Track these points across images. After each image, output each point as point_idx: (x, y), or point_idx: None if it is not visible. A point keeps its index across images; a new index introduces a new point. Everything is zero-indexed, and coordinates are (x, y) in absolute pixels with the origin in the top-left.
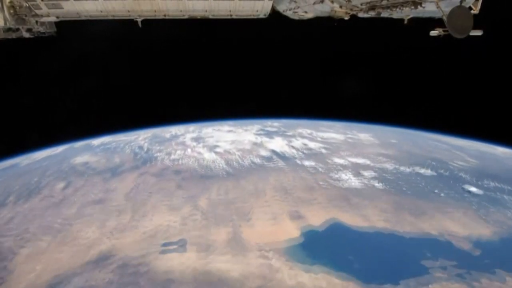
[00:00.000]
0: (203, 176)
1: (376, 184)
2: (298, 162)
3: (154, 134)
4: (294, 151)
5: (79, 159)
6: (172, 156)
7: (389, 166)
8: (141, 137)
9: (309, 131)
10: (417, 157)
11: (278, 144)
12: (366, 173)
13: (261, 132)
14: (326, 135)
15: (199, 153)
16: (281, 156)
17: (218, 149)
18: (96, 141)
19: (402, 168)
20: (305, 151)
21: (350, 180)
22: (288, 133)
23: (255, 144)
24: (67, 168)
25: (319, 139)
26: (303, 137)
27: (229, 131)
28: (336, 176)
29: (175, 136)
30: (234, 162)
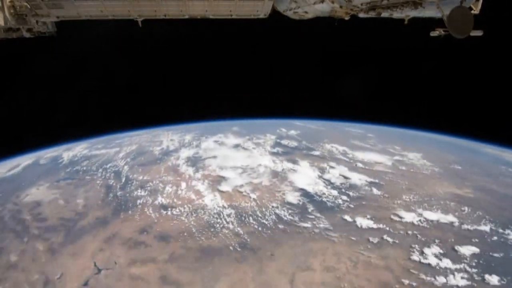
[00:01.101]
0: (204, 252)
1: (489, 278)
2: (348, 218)
3: (140, 147)
4: (333, 191)
5: (30, 196)
6: (159, 199)
7: (486, 228)
8: (124, 152)
9: (340, 148)
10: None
11: (307, 176)
12: (463, 250)
13: (279, 149)
14: (365, 156)
15: (198, 192)
16: (318, 203)
17: (224, 186)
18: (70, 154)
19: (506, 232)
20: (349, 192)
21: (447, 270)
22: (315, 152)
23: (275, 175)
24: (7, 215)
25: (359, 165)
26: (337, 160)
27: (236, 145)
28: (418, 258)
29: (166, 153)
30: (250, 218)
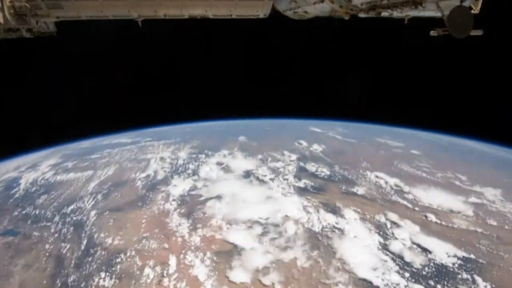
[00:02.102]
0: None
1: None
2: None
3: (120, 170)
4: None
5: None
6: None
7: None
8: (96, 181)
9: (390, 180)
10: None
11: (363, 246)
12: None
13: (307, 182)
14: (431, 197)
15: (195, 283)
16: None
17: (237, 270)
18: (31, 177)
19: None
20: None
21: None
22: (358, 189)
23: (313, 242)
24: None
25: (431, 218)
26: (395, 206)
27: (247, 173)
28: None
29: (152, 186)
30: None
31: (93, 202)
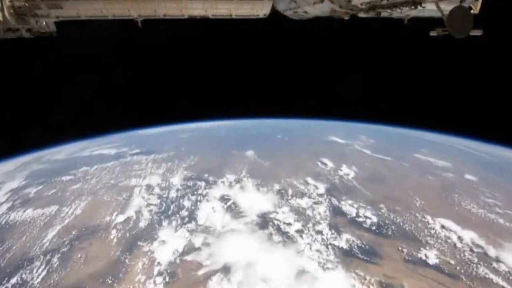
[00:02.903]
0: None
1: None
2: None
3: (94, 205)
4: None
5: None
6: None
7: None
8: (58, 226)
9: (465, 234)
10: None
11: None
12: None
13: (352, 238)
14: None
15: None
16: None
17: None
18: None
19: None
20: None
21: None
22: (427, 255)
23: None
24: None
25: None
26: None
27: (264, 220)
28: None
29: (132, 243)
30: None
31: (44, 273)
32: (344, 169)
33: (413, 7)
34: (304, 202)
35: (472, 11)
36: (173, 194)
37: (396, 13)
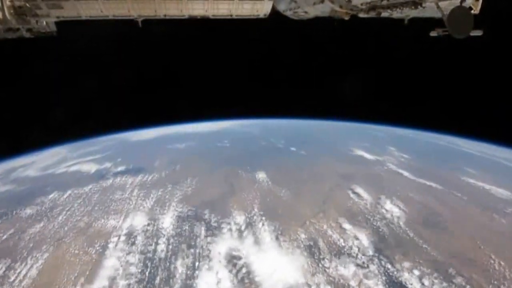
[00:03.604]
0: None
1: None
2: None
3: (61, 253)
4: None
5: None
6: None
7: None
8: None
9: None
10: None
11: None
12: None
13: None
14: None
15: None
16: None
17: None
18: None
19: None
20: None
21: None
22: None
23: None
24: None
25: None
26: None
27: None
28: None
29: None
30: None
31: None
32: (387, 205)
33: (413, 7)
34: (344, 268)
35: (472, 11)
36: (162, 247)
37: (396, 13)
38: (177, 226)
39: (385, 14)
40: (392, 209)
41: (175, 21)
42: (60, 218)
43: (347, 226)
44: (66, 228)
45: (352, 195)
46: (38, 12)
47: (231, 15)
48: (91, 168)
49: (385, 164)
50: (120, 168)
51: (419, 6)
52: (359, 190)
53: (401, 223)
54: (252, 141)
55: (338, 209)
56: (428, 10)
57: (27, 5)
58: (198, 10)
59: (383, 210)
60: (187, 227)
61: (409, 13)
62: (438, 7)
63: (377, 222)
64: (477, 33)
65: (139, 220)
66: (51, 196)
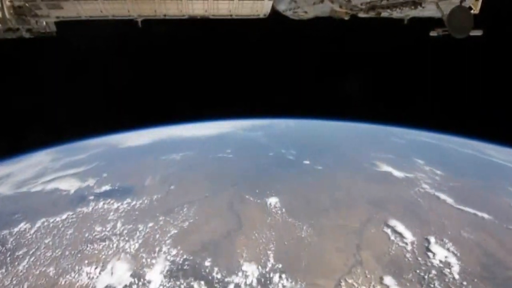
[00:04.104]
0: None
1: None
2: None
3: None
4: None
5: None
6: None
7: None
8: None
9: None
10: None
11: None
12: None
13: None
14: None
15: None
16: None
17: None
18: None
19: None
20: None
21: None
22: None
23: None
24: None
25: None
26: None
27: None
28: None
29: None
30: None
31: None
32: (436, 249)
33: (413, 7)
34: None
35: (472, 11)
36: None
37: (396, 13)
38: (169, 285)
39: (385, 14)
40: (442, 254)
41: (175, 21)
42: (20, 267)
43: (393, 284)
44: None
45: (391, 234)
46: (38, 12)
47: (231, 15)
48: (72, 186)
49: (419, 184)
50: (104, 188)
51: (419, 6)
52: (399, 226)
53: (457, 275)
54: (258, 150)
55: (378, 260)
56: (428, 10)
57: (27, 5)
58: (198, 10)
59: (434, 259)
60: None
61: (409, 13)
62: (438, 7)
63: (429, 276)
64: (477, 33)
65: (119, 276)
66: (17, 228)
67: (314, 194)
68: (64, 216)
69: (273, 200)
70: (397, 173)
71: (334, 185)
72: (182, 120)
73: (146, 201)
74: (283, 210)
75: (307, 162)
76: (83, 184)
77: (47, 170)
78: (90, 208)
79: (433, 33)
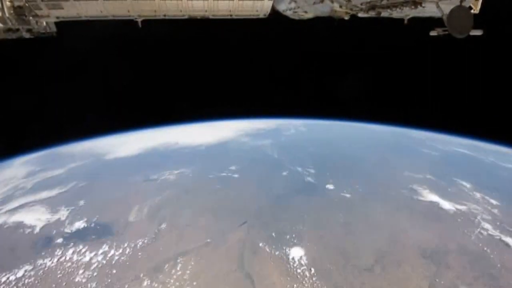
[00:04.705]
0: None
1: None
2: None
3: None
4: None
5: None
6: None
7: None
8: None
9: None
10: None
11: None
12: None
13: None
14: None
15: None
16: None
17: None
18: None
19: None
20: None
21: None
22: None
23: None
24: None
25: None
26: None
27: None
28: None
29: None
30: None
31: None
32: None
33: (413, 7)
34: None
35: (472, 11)
36: None
37: (396, 13)
38: None
39: (385, 14)
40: None
41: (175, 21)
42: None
43: None
44: None
45: None
46: (38, 12)
47: (231, 15)
48: (39, 219)
49: (477, 222)
50: (78, 225)
51: (419, 6)
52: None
53: None
54: (269, 168)
55: None
56: (428, 10)
57: (27, 5)
58: (198, 10)
59: None
60: None
61: (409, 12)
62: (438, 7)
63: None
64: (477, 32)
65: None
66: None
67: (349, 242)
68: (20, 273)
69: (296, 253)
70: (445, 205)
71: (372, 224)
72: (181, 121)
73: (128, 250)
74: (312, 270)
75: (330, 187)
76: (53, 217)
77: (17, 191)
78: (55, 260)
79: (433, 33)
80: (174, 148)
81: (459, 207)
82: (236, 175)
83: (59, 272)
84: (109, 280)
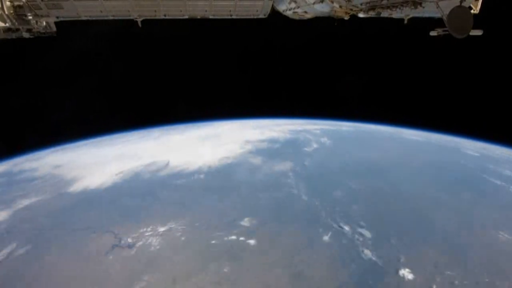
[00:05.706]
0: None
1: None
2: None
3: None
4: None
5: None
6: None
7: None
8: None
9: None
10: None
11: None
12: None
13: None
14: None
15: None
16: None
17: None
18: None
19: None
20: None
21: None
22: None
23: None
24: None
25: None
26: None
27: None
28: None
29: None
30: None
31: None
32: None
33: (413, 7)
34: None
35: (472, 11)
36: None
37: (396, 13)
38: None
39: (385, 14)
40: None
41: (175, 21)
42: None
43: None
44: None
45: None
46: (37, 12)
47: (231, 15)
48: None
49: None
50: None
51: (419, 6)
52: None
53: None
54: (301, 227)
55: None
56: (428, 10)
57: (27, 5)
58: (198, 10)
59: None
60: None
61: (409, 13)
62: (438, 7)
63: None
64: (477, 33)
65: None
66: None
67: None
68: None
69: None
70: None
71: None
72: (181, 120)
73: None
74: None
75: (407, 274)
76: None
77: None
78: None
79: (433, 33)
80: (163, 174)
81: None
82: (252, 242)
83: None
84: None
